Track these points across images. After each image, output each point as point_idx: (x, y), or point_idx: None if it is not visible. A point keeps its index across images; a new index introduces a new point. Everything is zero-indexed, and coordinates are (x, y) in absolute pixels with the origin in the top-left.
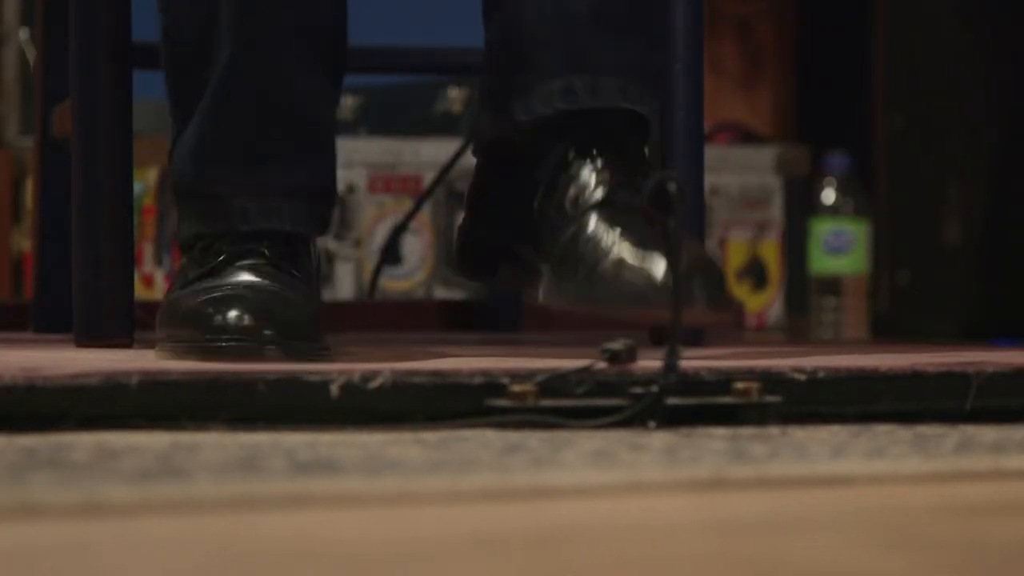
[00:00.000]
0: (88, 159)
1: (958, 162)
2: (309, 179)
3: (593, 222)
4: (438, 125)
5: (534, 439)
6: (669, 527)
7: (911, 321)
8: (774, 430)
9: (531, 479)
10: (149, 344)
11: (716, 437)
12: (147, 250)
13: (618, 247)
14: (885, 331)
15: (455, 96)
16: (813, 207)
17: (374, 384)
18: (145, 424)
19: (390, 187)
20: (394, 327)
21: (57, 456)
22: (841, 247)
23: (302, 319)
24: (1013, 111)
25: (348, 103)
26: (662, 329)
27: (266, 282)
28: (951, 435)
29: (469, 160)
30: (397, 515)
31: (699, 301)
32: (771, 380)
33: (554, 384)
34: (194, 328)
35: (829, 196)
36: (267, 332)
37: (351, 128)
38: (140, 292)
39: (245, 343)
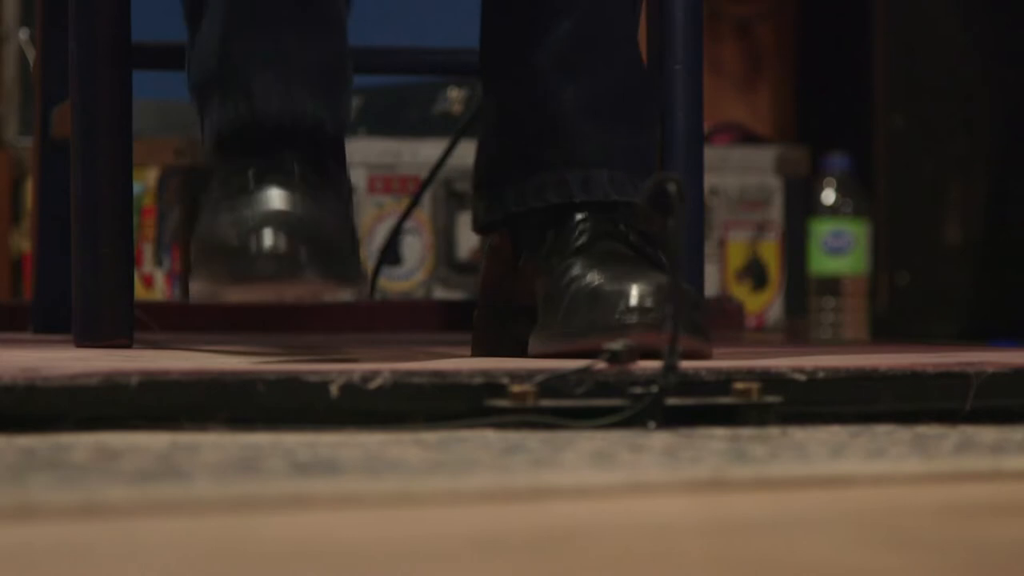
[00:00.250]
0: (88, 159)
1: (958, 162)
2: (327, 59)
3: (577, 266)
4: (438, 126)
5: (534, 439)
6: (669, 527)
7: (911, 321)
8: (774, 430)
9: (531, 479)
10: (149, 344)
11: (716, 437)
12: (147, 250)
13: (596, 280)
14: (884, 331)
15: (455, 96)
16: (813, 207)
17: (374, 384)
18: (145, 424)
19: (390, 187)
20: (394, 327)
21: (56, 456)
22: (841, 247)
23: (339, 240)
24: (1013, 111)
25: None
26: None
27: (299, 203)
28: (951, 435)
29: (469, 161)
30: (397, 515)
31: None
32: (771, 380)
33: (554, 384)
34: (229, 257)
35: (829, 196)
36: (303, 254)
37: (351, 128)
38: (140, 292)
39: (282, 267)
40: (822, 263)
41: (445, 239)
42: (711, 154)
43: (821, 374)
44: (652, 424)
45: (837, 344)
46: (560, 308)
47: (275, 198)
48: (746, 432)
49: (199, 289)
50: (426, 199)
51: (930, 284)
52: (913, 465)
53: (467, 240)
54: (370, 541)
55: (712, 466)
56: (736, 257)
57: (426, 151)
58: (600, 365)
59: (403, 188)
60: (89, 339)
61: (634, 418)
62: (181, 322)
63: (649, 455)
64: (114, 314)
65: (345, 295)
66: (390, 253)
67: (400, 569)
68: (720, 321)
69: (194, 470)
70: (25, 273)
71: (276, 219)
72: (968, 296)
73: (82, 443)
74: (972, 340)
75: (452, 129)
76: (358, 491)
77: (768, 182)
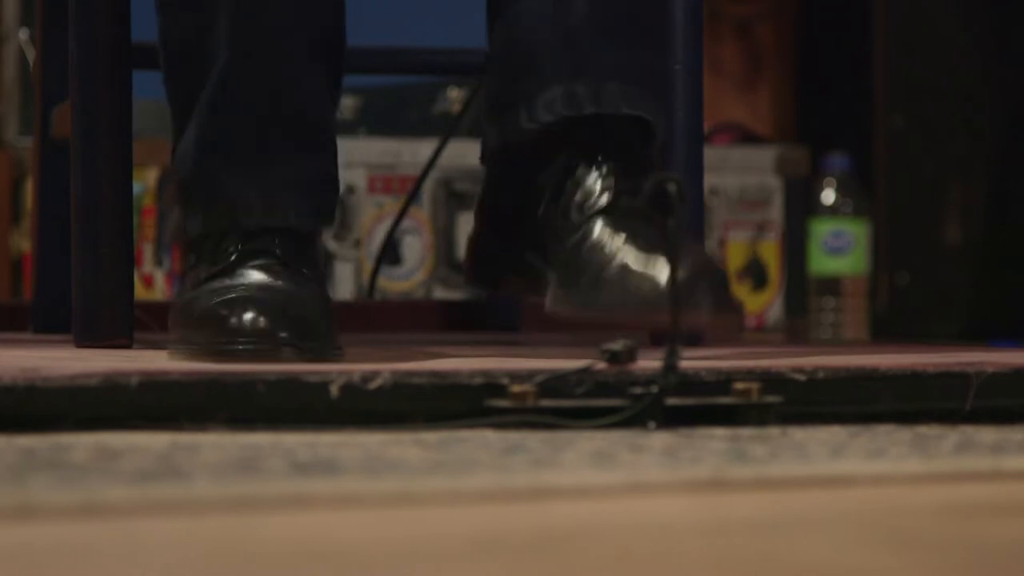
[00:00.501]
0: (88, 159)
1: (958, 162)
2: (311, 173)
3: (598, 228)
4: (438, 125)
5: (534, 439)
6: (669, 527)
7: (910, 321)
8: (774, 430)
9: (531, 480)
10: (149, 344)
11: (716, 437)
12: (147, 250)
13: (622, 253)
14: (884, 331)
15: (455, 96)
16: (813, 207)
17: (374, 384)
18: (145, 424)
19: (390, 188)
20: (394, 327)
21: (56, 457)
22: (841, 247)
23: (316, 320)
24: (1013, 111)
25: (348, 103)
26: (666, 333)
27: (279, 282)
28: (951, 435)
29: (469, 160)
30: (397, 515)
31: (703, 304)
32: (771, 380)
33: (554, 384)
34: (209, 331)
35: (829, 196)
36: (283, 334)
37: (351, 128)
38: (140, 292)
39: (261, 345)
40: (822, 263)
41: (445, 239)
42: (711, 154)
43: (821, 374)
44: (652, 424)
45: (837, 344)
46: (585, 271)
47: (256, 277)
48: (746, 432)
49: (179, 357)
50: (426, 199)
51: (930, 284)
52: (913, 465)
53: (467, 237)
54: (370, 541)
55: (712, 466)
56: (736, 257)
57: (426, 151)
58: (600, 365)
59: (403, 188)
60: (89, 339)
61: (634, 418)
62: None
63: (649, 455)
64: (114, 314)
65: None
66: (389, 252)
67: (400, 569)
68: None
69: (194, 470)
70: (25, 273)
71: (256, 298)
72: (968, 296)
73: (82, 443)
74: (972, 340)
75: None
76: (358, 491)
77: (768, 182)
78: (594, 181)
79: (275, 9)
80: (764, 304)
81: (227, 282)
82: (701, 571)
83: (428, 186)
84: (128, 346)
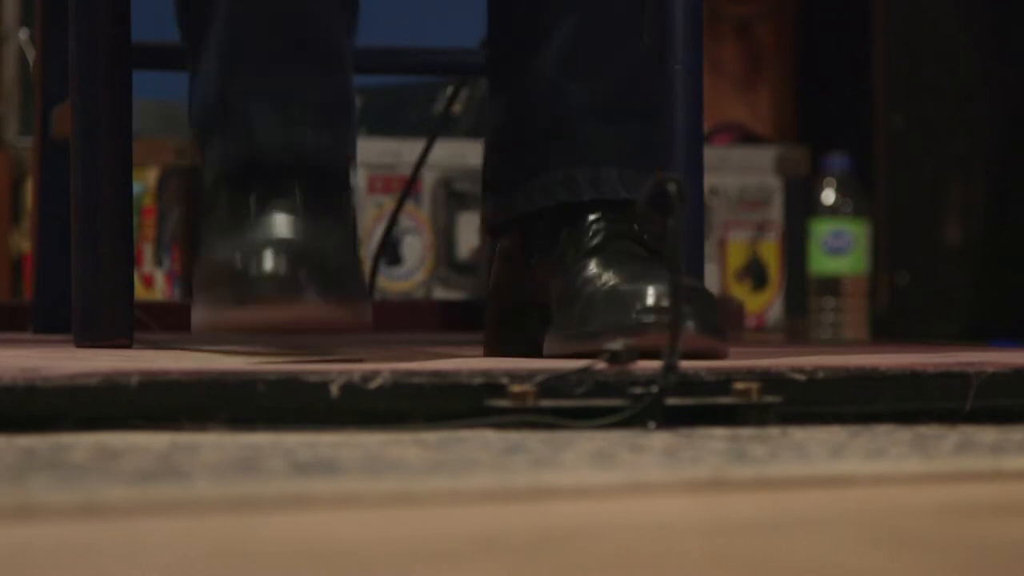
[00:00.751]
0: (88, 159)
1: (958, 162)
2: (329, 95)
3: (591, 266)
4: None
5: (534, 439)
6: (669, 527)
7: (910, 321)
8: (774, 430)
9: (531, 480)
10: (149, 344)
11: (716, 437)
12: (147, 250)
13: (612, 280)
14: (884, 331)
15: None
16: (813, 207)
17: (374, 384)
18: (145, 424)
19: (390, 187)
20: (394, 327)
21: (56, 456)
22: (841, 247)
23: (340, 265)
24: (1013, 111)
25: None
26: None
27: (300, 228)
28: (951, 435)
29: (469, 160)
30: (397, 515)
31: (689, 327)
32: (771, 380)
33: (554, 384)
34: (231, 281)
35: (829, 196)
36: (305, 279)
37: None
38: (140, 292)
39: (284, 291)
40: (822, 263)
41: (445, 239)
42: (711, 154)
43: (821, 374)
44: (652, 424)
45: (837, 344)
46: (576, 309)
47: (276, 223)
48: (746, 432)
49: (200, 315)
50: (426, 199)
51: (930, 284)
52: (913, 465)
53: (467, 240)
54: (370, 541)
55: (712, 466)
56: (736, 257)
57: None
58: (600, 365)
59: (403, 188)
60: (89, 339)
61: (634, 418)
62: (181, 322)
63: (649, 455)
64: (114, 314)
65: (346, 317)
66: (387, 251)
67: (400, 569)
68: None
69: (194, 470)
70: (25, 273)
71: (277, 243)
72: (968, 296)
73: (82, 443)
74: (972, 340)
75: (452, 129)
76: (358, 491)
77: (768, 182)
78: (587, 227)
79: None
80: (764, 304)
81: (247, 231)
82: (701, 571)
83: (428, 186)
84: (128, 346)
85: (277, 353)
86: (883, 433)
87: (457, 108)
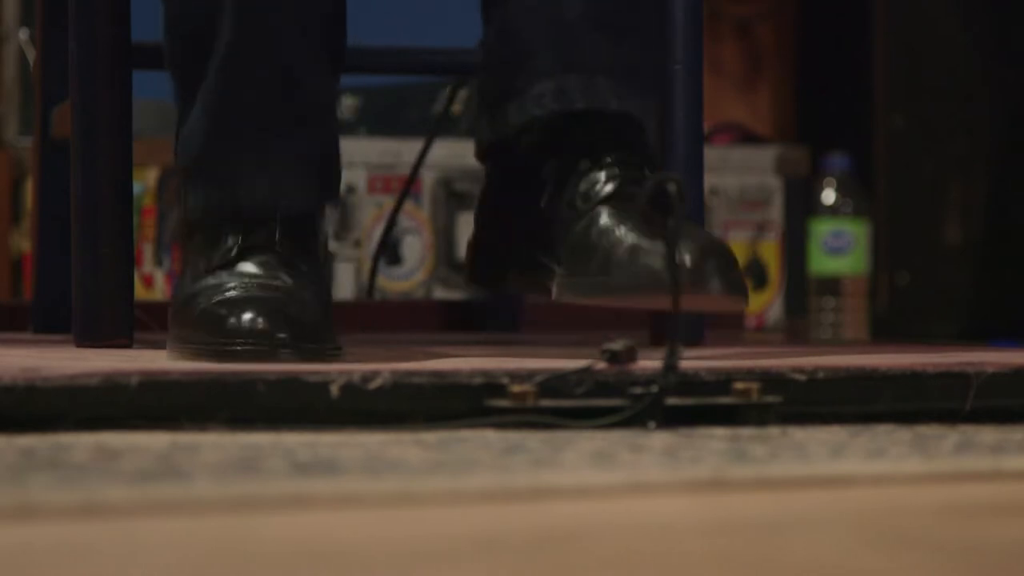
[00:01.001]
0: (88, 159)
1: (958, 162)
2: (313, 149)
3: (605, 215)
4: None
5: (534, 439)
6: (669, 527)
7: (910, 321)
8: (774, 430)
9: (531, 479)
10: (149, 344)
11: (716, 437)
12: (147, 250)
13: (632, 236)
14: (884, 331)
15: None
16: (813, 207)
17: (374, 384)
18: (145, 424)
19: (389, 187)
20: (394, 327)
21: (56, 456)
22: (841, 247)
23: (315, 320)
24: (1013, 111)
25: (348, 103)
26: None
27: (278, 281)
28: (951, 435)
29: (468, 160)
30: (397, 515)
31: (714, 287)
32: (771, 380)
33: (554, 384)
34: (208, 330)
35: (829, 196)
36: (281, 335)
37: (351, 128)
38: (140, 292)
39: (259, 347)
40: (822, 263)
41: (445, 239)
42: (711, 154)
43: (821, 374)
44: (652, 424)
45: (837, 344)
46: (594, 256)
47: (255, 274)
48: (746, 432)
49: (173, 355)
50: (426, 199)
51: (930, 284)
52: (913, 465)
53: (467, 240)
54: (370, 541)
55: (712, 466)
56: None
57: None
58: (600, 365)
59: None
60: (89, 339)
61: (634, 418)
62: None
63: (649, 455)
64: (114, 314)
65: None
66: (387, 251)
67: (400, 569)
68: (720, 321)
69: (194, 470)
70: (25, 273)
71: (255, 298)
72: (968, 296)
73: (82, 443)
74: (972, 340)
75: (452, 129)
76: (358, 491)
77: (768, 182)
78: (597, 172)
79: None
80: (764, 304)
81: (226, 279)
82: (701, 571)
83: (428, 186)
84: (128, 346)
85: None
86: (883, 433)
87: (457, 108)
